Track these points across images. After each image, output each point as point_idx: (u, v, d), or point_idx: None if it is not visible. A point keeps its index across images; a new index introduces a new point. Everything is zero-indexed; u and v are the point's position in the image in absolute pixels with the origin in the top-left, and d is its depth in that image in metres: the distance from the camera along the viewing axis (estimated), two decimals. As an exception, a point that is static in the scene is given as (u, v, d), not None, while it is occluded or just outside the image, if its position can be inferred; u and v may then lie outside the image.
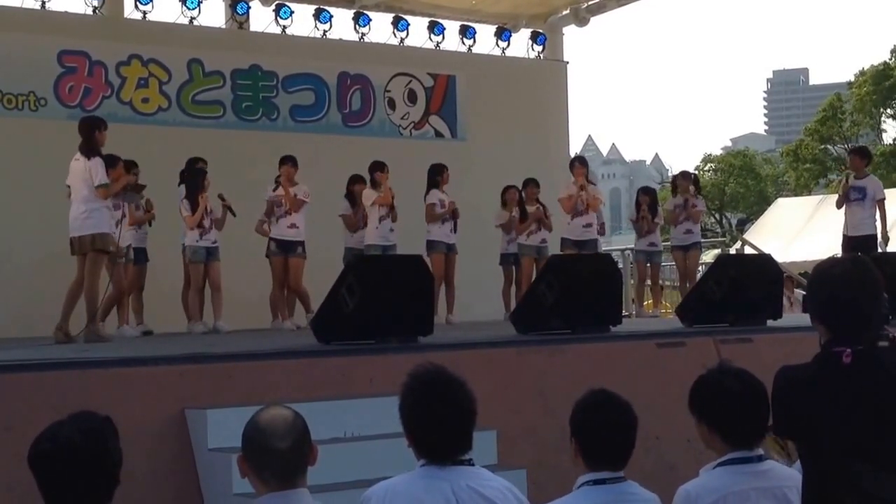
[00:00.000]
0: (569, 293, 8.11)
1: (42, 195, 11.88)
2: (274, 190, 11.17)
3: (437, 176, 12.12)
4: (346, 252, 11.76)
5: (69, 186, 9.05)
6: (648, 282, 13.58)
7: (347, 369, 6.67)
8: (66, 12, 13.05)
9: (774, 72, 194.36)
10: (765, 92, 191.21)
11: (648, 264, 13.29)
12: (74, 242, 8.87)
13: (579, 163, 12.81)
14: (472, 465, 3.31)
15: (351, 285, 7.19)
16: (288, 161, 11.19)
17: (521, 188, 12.79)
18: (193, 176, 10.90)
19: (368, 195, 11.62)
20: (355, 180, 11.96)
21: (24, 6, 12.67)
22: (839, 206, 12.27)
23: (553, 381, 7.17)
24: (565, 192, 12.43)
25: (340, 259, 11.42)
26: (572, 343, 7.78)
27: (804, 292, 16.80)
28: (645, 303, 13.95)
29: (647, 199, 13.34)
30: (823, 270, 3.08)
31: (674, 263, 14.09)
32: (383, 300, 7.20)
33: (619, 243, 15.67)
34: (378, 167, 11.67)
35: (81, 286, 8.88)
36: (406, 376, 3.32)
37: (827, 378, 2.96)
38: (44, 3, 12.70)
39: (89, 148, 8.92)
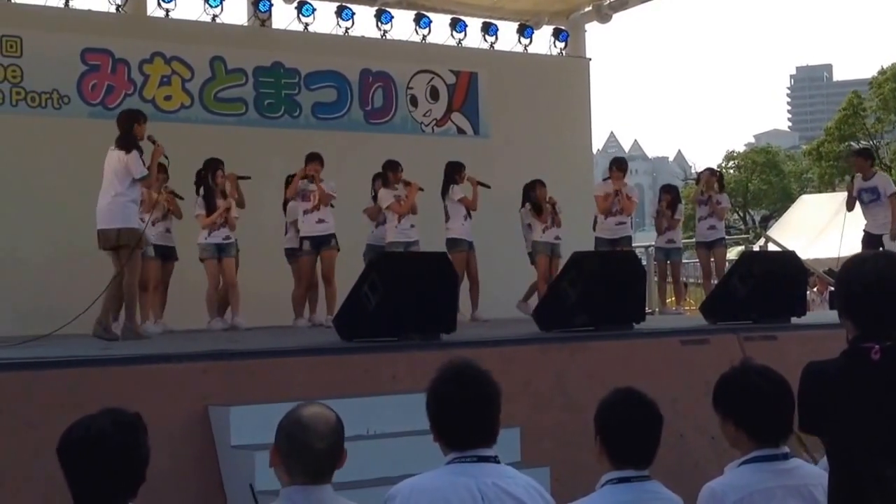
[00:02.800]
0: (592, 290, 8.08)
1: (65, 192, 11.95)
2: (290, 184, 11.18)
3: (455, 173, 12.04)
4: (367, 249, 11.76)
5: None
6: (669, 279, 13.52)
7: (370, 367, 6.66)
8: (89, 10, 13.11)
9: (798, 68, 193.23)
10: (788, 88, 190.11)
11: (668, 261, 13.23)
12: (99, 235, 8.76)
13: (616, 167, 12.55)
14: (498, 462, 3.30)
15: (374, 282, 7.18)
16: (316, 158, 11.20)
17: (530, 188, 12.62)
18: (208, 175, 10.92)
19: (384, 196, 11.58)
20: (380, 177, 11.94)
21: (48, 4, 12.73)
22: (850, 208, 12.18)
23: (576, 379, 7.15)
24: (601, 189, 12.31)
25: (361, 255, 11.42)
26: (595, 340, 7.76)
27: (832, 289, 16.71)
28: (668, 300, 13.91)
29: (668, 196, 13.28)
30: (853, 266, 3.04)
31: (697, 261, 14.04)
32: (406, 297, 7.19)
33: (642, 240, 15.62)
34: (391, 167, 11.64)
35: (117, 280, 8.84)
36: (436, 371, 3.34)
37: (855, 374, 2.93)
38: (67, 1, 12.76)
39: (127, 141, 8.73)
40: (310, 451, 3.07)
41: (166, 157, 9.13)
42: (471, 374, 3.32)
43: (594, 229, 12.64)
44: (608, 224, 12.19)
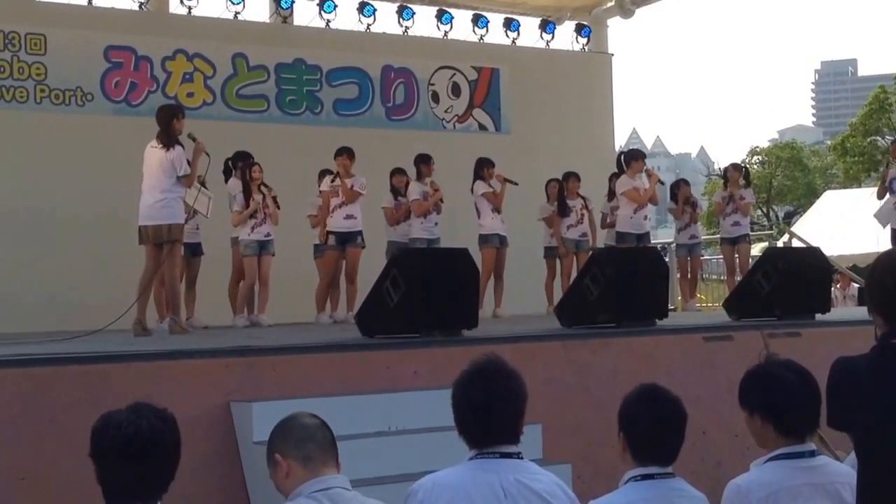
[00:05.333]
0: (614, 286, 8.03)
1: (90, 189, 12.01)
2: (332, 181, 11.15)
3: (481, 169, 12.06)
4: (388, 245, 11.76)
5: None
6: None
7: (392, 363, 6.65)
8: (112, 8, 13.21)
9: (822, 63, 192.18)
10: (812, 83, 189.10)
11: (689, 257, 13.18)
12: (145, 231, 8.76)
13: (640, 158, 12.44)
14: (521, 458, 3.29)
15: (395, 279, 7.16)
16: (345, 152, 11.19)
17: (561, 181, 12.68)
18: (244, 171, 10.93)
19: (414, 188, 11.62)
20: (397, 173, 11.95)
21: (71, 3, 12.80)
22: (880, 197, 12.14)
23: (598, 375, 7.12)
24: (627, 184, 12.17)
25: (383, 252, 11.43)
26: (618, 337, 7.71)
27: (859, 285, 16.61)
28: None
29: (687, 189, 13.23)
30: (883, 261, 3.02)
31: (721, 257, 13.96)
32: (427, 294, 7.16)
33: (665, 237, 15.57)
34: (423, 160, 11.66)
35: (152, 276, 8.81)
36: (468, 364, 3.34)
37: (884, 369, 2.89)
38: (90, -1, 12.84)
39: (168, 137, 8.78)
40: (305, 429, 3.21)
41: (207, 155, 9.13)
42: (494, 371, 3.30)
43: (601, 226, 12.68)
44: (637, 218, 12.07)
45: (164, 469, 2.86)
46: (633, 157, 12.40)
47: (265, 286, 10.93)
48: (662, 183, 12.37)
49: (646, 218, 12.17)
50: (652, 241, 14.22)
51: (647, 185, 12.06)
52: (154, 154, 8.80)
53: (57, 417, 5.38)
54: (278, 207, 11.05)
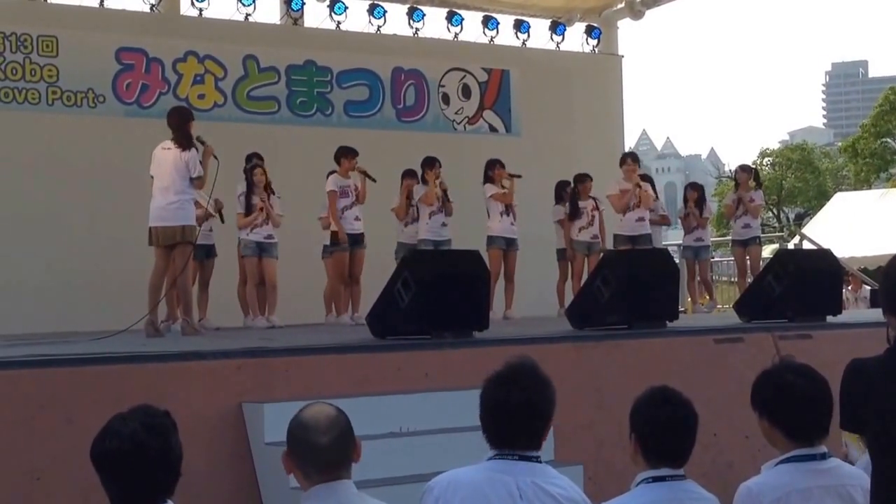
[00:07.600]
0: (625, 288, 8.04)
1: (102, 190, 12.05)
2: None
3: (489, 171, 12.06)
4: (398, 247, 11.78)
5: (153, 176, 8.85)
6: (698, 277, 13.46)
7: (403, 364, 6.66)
8: (123, 10, 13.24)
9: (833, 64, 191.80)
10: (823, 85, 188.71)
11: (696, 260, 13.17)
12: (156, 232, 8.72)
13: (631, 159, 12.50)
14: (540, 461, 3.27)
15: (406, 280, 7.18)
16: (352, 153, 11.18)
17: (573, 183, 12.67)
18: (247, 172, 10.95)
19: (418, 191, 11.66)
20: (408, 175, 11.97)
21: (83, 4, 12.85)
22: None
23: (609, 377, 7.12)
24: (615, 188, 12.20)
25: (391, 254, 11.44)
26: (629, 338, 7.72)
27: (870, 287, 16.57)
28: (699, 300, 13.83)
29: (694, 194, 13.24)
30: (896, 262, 3.02)
31: (730, 259, 13.95)
32: (438, 295, 7.17)
33: (675, 238, 15.59)
34: (427, 164, 11.67)
35: (162, 277, 8.81)
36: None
37: (898, 371, 2.90)
38: (102, 1, 12.87)
39: (186, 139, 8.75)
40: (315, 448, 3.11)
41: (216, 158, 9.14)
42: (527, 375, 3.25)
43: None
44: (627, 221, 12.10)
45: (155, 475, 2.86)
46: (623, 160, 12.43)
47: (273, 290, 10.91)
48: (640, 186, 12.23)
49: (639, 220, 12.09)
50: (664, 242, 14.20)
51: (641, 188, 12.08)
52: (168, 155, 8.76)
53: (73, 418, 5.41)
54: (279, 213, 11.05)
